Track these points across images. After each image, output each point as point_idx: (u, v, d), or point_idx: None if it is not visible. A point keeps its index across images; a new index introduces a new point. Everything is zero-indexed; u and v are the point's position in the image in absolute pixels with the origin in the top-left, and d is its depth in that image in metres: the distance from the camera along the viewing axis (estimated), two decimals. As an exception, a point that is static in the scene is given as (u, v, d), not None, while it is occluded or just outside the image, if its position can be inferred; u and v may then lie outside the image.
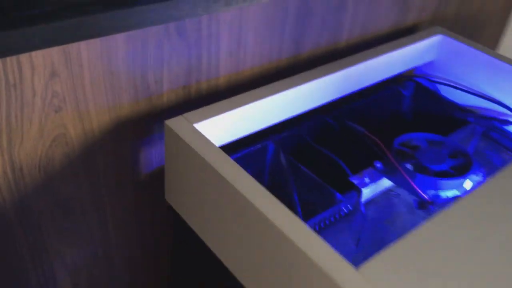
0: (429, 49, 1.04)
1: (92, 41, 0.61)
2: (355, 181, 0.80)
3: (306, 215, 0.78)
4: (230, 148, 0.83)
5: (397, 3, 0.98)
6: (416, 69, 1.10)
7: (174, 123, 0.70)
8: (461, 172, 0.77)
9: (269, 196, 0.61)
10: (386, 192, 0.86)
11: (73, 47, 0.60)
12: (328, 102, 0.91)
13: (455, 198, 0.79)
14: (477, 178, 0.80)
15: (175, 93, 0.75)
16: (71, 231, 0.76)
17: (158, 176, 0.81)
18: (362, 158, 0.84)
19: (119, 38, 0.64)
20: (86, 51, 0.62)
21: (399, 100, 1.08)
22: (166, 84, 0.73)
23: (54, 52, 0.59)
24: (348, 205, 0.80)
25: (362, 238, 0.83)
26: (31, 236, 0.72)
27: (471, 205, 0.64)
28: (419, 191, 0.76)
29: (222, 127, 0.75)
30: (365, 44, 0.99)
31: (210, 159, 0.64)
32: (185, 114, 0.71)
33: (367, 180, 0.80)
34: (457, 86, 1.04)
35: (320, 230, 0.79)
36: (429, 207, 0.75)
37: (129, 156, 0.76)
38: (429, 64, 1.07)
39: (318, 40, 0.90)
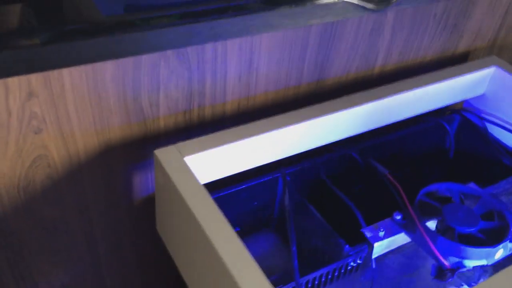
0: (480, 81, 0.91)
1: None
2: (368, 234, 0.70)
3: (308, 264, 0.70)
4: (235, 179, 0.76)
5: (445, 27, 0.86)
6: (464, 102, 0.97)
7: (163, 154, 0.64)
8: (493, 239, 0.66)
9: (237, 245, 0.53)
10: (405, 247, 0.76)
11: (53, 72, 0.56)
12: (354, 135, 0.81)
13: (481, 268, 0.68)
14: (513, 245, 0.68)
15: (174, 118, 0.69)
16: (58, 251, 0.72)
17: (153, 202, 0.75)
18: (381, 205, 0.75)
19: (107, 62, 0.58)
20: (68, 76, 0.57)
21: (440, 136, 0.96)
22: (163, 109, 0.67)
23: (32, 76, 0.55)
24: (358, 259, 0.71)
25: (373, 295, 0.73)
26: (11, 255, 0.68)
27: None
28: (439, 256, 0.66)
29: (220, 160, 0.67)
30: (404, 72, 0.88)
31: (187, 196, 0.58)
32: (178, 144, 0.65)
33: (381, 233, 0.70)
34: (509, 126, 0.90)
35: (323, 284, 0.70)
36: (448, 276, 0.64)
37: (121, 180, 0.71)
38: (479, 97, 0.94)
39: (346, 66, 0.80)
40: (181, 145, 0.65)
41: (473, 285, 0.72)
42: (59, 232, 0.70)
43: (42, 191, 0.65)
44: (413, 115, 0.86)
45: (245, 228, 0.84)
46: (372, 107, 0.80)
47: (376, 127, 0.83)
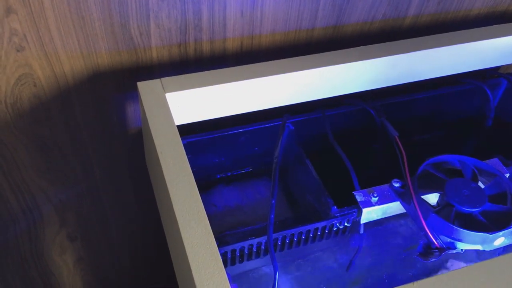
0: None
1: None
2: (359, 198, 0.65)
3: (300, 219, 0.66)
4: (238, 122, 0.72)
5: (500, -22, 0.74)
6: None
7: (145, 86, 0.61)
8: (495, 224, 0.58)
9: (191, 192, 0.51)
10: (400, 216, 0.70)
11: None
12: (375, 89, 0.74)
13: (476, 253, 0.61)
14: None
15: (167, 50, 0.65)
16: (53, 170, 0.74)
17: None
18: (386, 170, 0.68)
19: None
20: (46, -10, 0.55)
21: (479, 102, 0.85)
22: (155, 38, 0.64)
23: (7, -14, 0.53)
24: (345, 222, 0.66)
25: (357, 262, 0.69)
26: (5, 165, 0.70)
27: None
28: (429, 232, 0.60)
29: (208, 100, 0.64)
30: (442, 26, 0.77)
31: (155, 134, 0.55)
32: (165, 78, 0.62)
33: (374, 199, 0.65)
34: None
35: (305, 241, 0.67)
36: (431, 256, 0.58)
37: (113, 108, 0.69)
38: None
39: (371, 11, 0.71)
40: (166, 79, 0.62)
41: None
42: (53, 151, 0.71)
43: (30, 109, 0.65)
44: (446, 75, 0.77)
45: (245, 174, 0.81)
46: (397, 60, 0.71)
47: (399, 83, 0.75)
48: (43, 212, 0.79)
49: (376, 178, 0.68)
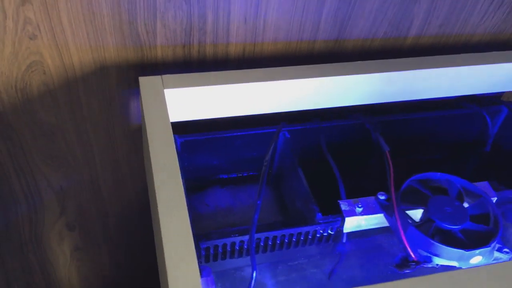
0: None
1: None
2: (343, 207, 0.67)
3: (283, 222, 0.68)
4: (239, 122, 0.75)
5: (502, 5, 0.76)
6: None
7: (146, 81, 0.64)
8: (474, 242, 0.59)
9: (175, 186, 0.52)
10: (386, 230, 0.71)
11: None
12: (373, 104, 0.76)
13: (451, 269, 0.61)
14: (501, 255, 0.61)
15: (172, 50, 0.69)
16: (56, 157, 0.77)
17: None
18: (375, 183, 0.70)
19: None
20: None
21: (476, 127, 0.86)
22: (160, 38, 0.67)
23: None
24: (328, 230, 0.68)
25: (339, 271, 0.70)
26: (12, 148, 0.74)
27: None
28: (407, 244, 0.61)
29: (205, 100, 0.66)
30: (443, 49, 0.79)
31: (150, 129, 0.58)
32: (166, 75, 0.65)
33: (359, 209, 0.66)
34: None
35: (288, 244, 0.68)
36: (406, 267, 0.59)
37: (117, 101, 0.73)
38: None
39: (372, 29, 0.74)
40: (167, 77, 0.65)
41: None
42: (57, 139, 0.75)
43: (39, 95, 0.69)
44: (445, 96, 0.78)
45: (241, 178, 0.84)
46: (396, 77, 0.73)
47: (397, 100, 0.77)
48: (44, 198, 0.82)
49: (365, 190, 0.69)
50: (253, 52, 0.72)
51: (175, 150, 0.56)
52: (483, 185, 0.71)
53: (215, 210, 0.78)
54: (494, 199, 0.68)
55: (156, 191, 0.52)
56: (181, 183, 0.53)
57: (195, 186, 0.81)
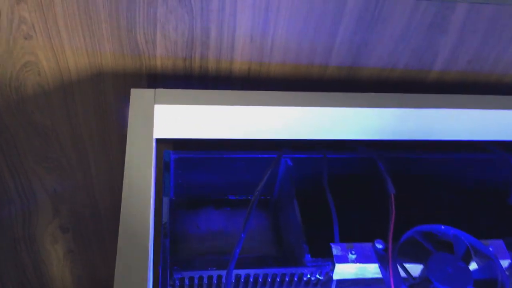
0: None
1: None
2: (335, 252, 0.61)
3: (272, 256, 0.63)
4: (240, 144, 0.70)
5: (543, 45, 0.68)
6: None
7: (137, 94, 0.61)
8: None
9: (144, 206, 0.48)
10: (381, 282, 0.64)
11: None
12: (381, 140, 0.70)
13: None
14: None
15: (172, 62, 0.65)
16: (50, 159, 0.75)
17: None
18: (372, 224, 0.64)
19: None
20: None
21: (499, 175, 0.78)
22: (160, 48, 0.63)
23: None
24: (317, 274, 0.62)
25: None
26: (6, 148, 0.72)
27: None
28: (398, 306, 0.54)
29: (197, 119, 0.62)
30: (471, 86, 0.72)
31: (131, 143, 0.54)
32: (159, 89, 0.62)
33: (352, 256, 0.60)
34: None
35: (271, 284, 0.63)
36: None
37: (113, 109, 0.70)
38: None
39: (391, 58, 0.68)
40: (160, 91, 0.61)
41: None
42: (51, 141, 0.73)
43: (34, 96, 0.67)
44: (467, 139, 0.71)
45: (238, 201, 0.79)
46: (414, 114, 0.67)
47: (413, 138, 0.71)
48: (37, 199, 0.81)
49: (363, 234, 0.63)
50: (259, 72, 0.67)
51: (153, 171, 0.53)
52: (497, 244, 0.63)
53: (205, 233, 0.74)
54: (507, 262, 0.60)
55: (122, 217, 0.48)
56: (151, 208, 0.49)
57: (189, 204, 0.77)
